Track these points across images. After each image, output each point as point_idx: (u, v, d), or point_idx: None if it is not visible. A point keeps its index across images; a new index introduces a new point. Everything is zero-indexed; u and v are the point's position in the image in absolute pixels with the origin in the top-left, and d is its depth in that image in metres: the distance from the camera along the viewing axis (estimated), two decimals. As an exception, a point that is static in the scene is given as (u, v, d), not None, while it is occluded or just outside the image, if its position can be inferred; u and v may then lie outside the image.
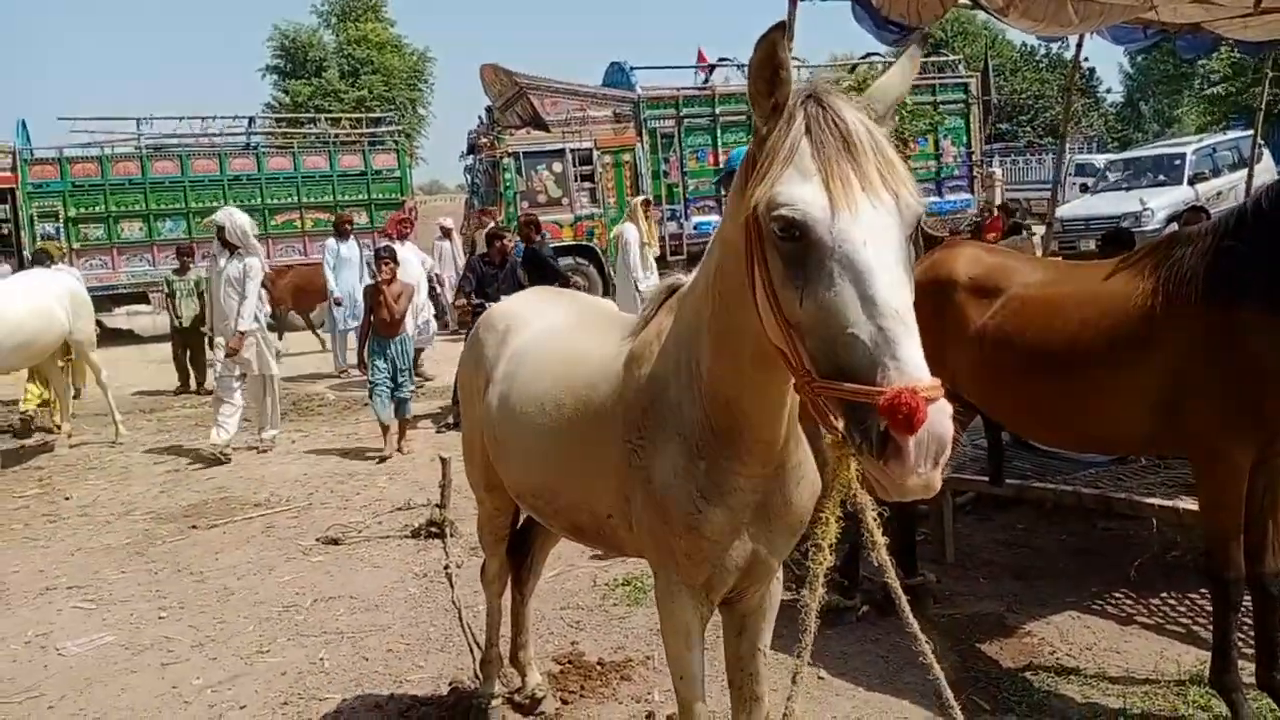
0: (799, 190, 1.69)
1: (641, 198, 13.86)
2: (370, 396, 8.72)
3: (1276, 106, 11.46)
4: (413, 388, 8.97)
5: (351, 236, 13.04)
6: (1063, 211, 17.81)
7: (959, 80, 20.08)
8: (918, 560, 4.85)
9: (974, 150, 19.65)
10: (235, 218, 8.77)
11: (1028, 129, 43.48)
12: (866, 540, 2.12)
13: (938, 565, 5.10)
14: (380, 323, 8.60)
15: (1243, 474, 3.32)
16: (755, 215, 1.75)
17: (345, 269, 12.59)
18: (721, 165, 18.16)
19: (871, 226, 1.67)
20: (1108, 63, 64.64)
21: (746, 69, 1.81)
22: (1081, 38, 8.24)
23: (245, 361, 8.65)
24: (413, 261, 12.71)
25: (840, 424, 1.70)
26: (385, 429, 8.61)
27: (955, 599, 4.76)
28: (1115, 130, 50.08)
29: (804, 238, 1.67)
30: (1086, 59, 43.51)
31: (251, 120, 22.38)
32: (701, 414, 2.27)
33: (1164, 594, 4.60)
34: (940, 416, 1.55)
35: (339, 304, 12.62)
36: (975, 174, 19.73)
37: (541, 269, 9.02)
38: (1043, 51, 46.30)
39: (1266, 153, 14.07)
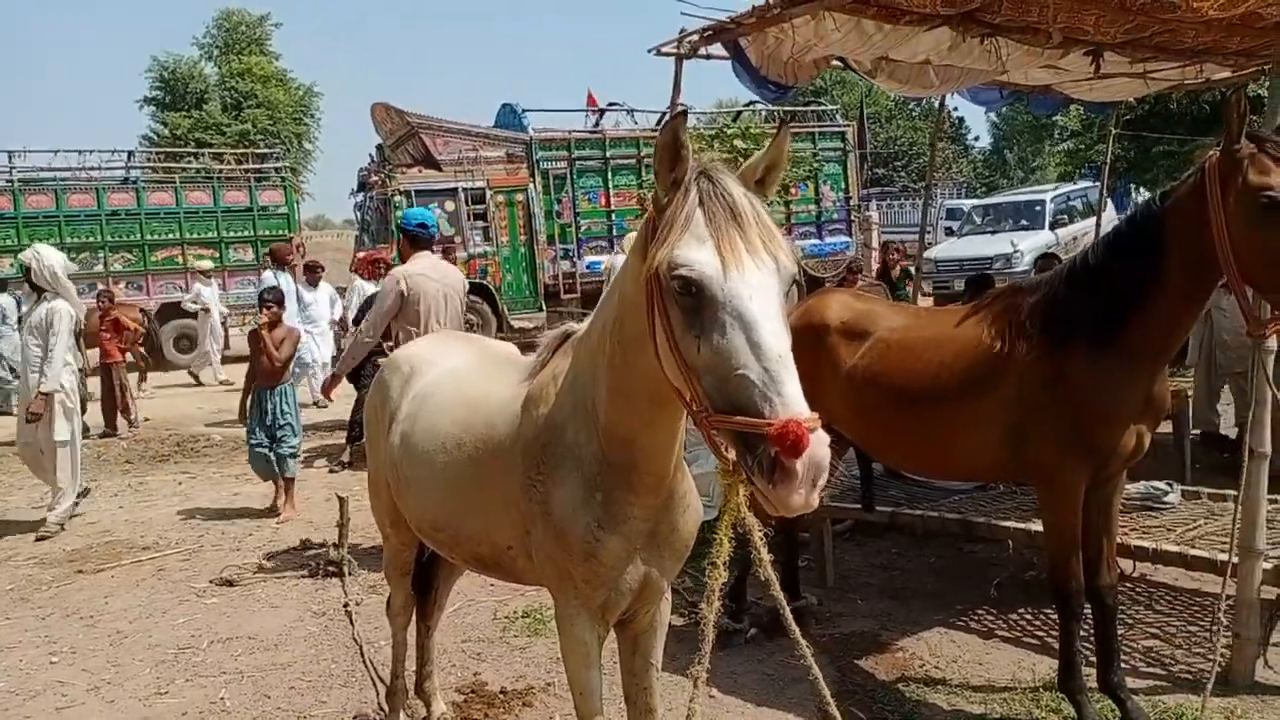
0: (695, 254, 1.96)
1: (634, 233, 14.17)
2: (250, 456, 8.07)
3: (1119, 162, 12.46)
4: (296, 442, 8.08)
5: (287, 269, 12.80)
6: (937, 253, 18.81)
7: (837, 129, 21.05)
8: (800, 584, 5.17)
9: (851, 195, 20.58)
10: (43, 256, 7.68)
11: (902, 174, 45.56)
12: (755, 558, 2.38)
13: (819, 588, 5.44)
14: (260, 371, 8.06)
15: (1077, 496, 3.73)
16: (657, 274, 2.01)
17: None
18: (612, 206, 18.64)
19: (756, 284, 1.95)
20: (976, 113, 68.15)
21: (654, 153, 2.09)
22: (944, 96, 8.92)
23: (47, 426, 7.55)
24: (323, 302, 12.70)
25: (732, 453, 1.97)
26: (271, 479, 8.08)
27: (835, 619, 5.10)
28: (983, 177, 52.86)
29: (700, 293, 1.94)
30: (956, 109, 46.01)
31: (130, 154, 21.75)
32: (598, 450, 2.49)
33: (1021, 610, 5.04)
34: (819, 444, 1.81)
35: None
36: (853, 218, 20.66)
37: None
38: (915, 102, 48.59)
39: (1110, 203, 15.25)
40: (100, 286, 15.28)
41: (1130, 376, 3.59)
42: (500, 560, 2.91)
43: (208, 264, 17.96)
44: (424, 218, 6.48)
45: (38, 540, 7.48)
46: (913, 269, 12.21)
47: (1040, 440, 3.74)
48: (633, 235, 10.44)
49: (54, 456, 7.65)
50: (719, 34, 5.92)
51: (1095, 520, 3.87)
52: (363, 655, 4.93)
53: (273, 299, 8.22)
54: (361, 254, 14.24)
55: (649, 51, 6.54)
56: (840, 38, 5.56)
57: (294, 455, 8.01)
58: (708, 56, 6.42)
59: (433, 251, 6.74)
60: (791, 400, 1.83)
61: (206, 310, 15.91)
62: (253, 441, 7.94)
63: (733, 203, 2.02)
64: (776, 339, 1.89)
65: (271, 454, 7.85)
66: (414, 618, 4.00)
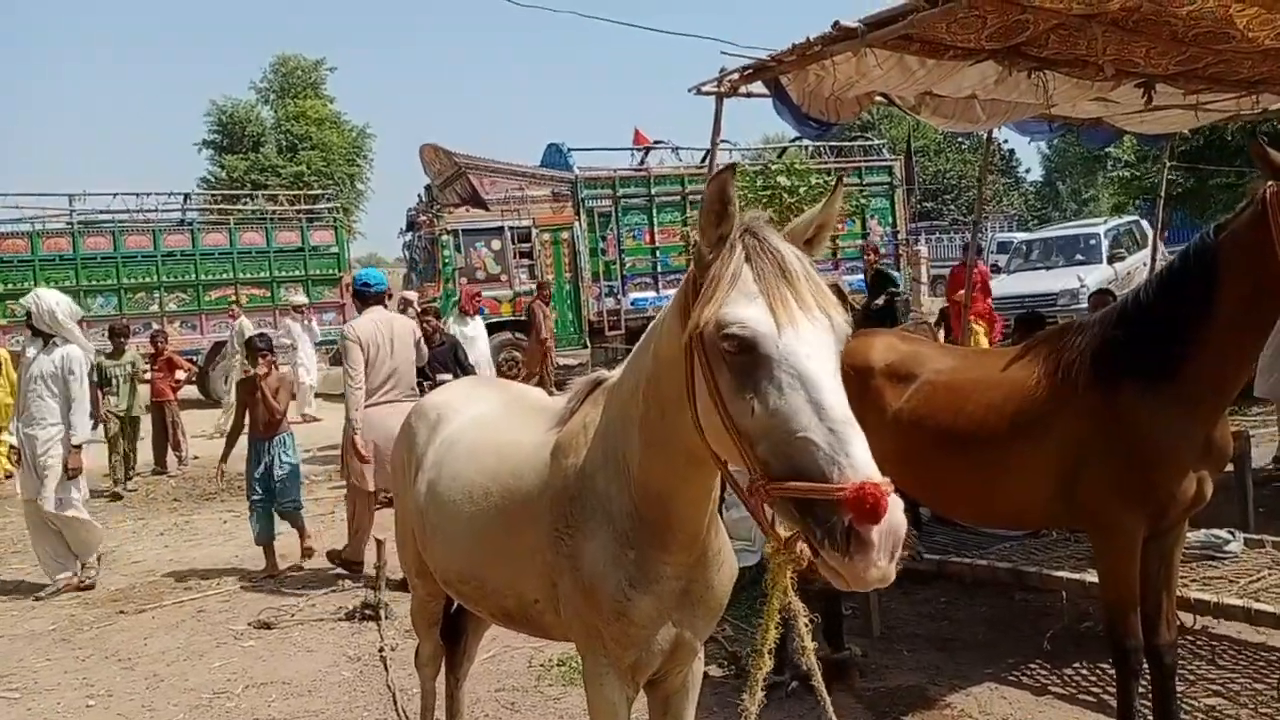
0: (746, 311, 1.87)
1: None
2: (250, 513, 7.49)
3: (1176, 188, 12.20)
4: (299, 491, 7.61)
5: (478, 315, 12.33)
6: (997, 288, 18.18)
7: (884, 164, 20.92)
8: (844, 634, 5.00)
9: (899, 229, 20.39)
10: (42, 300, 7.17)
11: (952, 208, 45.14)
12: (797, 647, 2.26)
13: (864, 639, 5.26)
14: (256, 422, 7.43)
15: (1134, 545, 3.56)
16: (701, 334, 1.91)
17: (471, 347, 10.90)
18: (657, 243, 18.65)
19: (813, 342, 1.86)
20: (1027, 144, 67.56)
21: (701, 203, 2.02)
22: (991, 130, 8.78)
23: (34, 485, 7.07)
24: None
25: (782, 528, 1.86)
26: (266, 546, 7.45)
27: (880, 671, 4.92)
28: (1035, 209, 52.23)
29: (754, 352, 1.84)
30: (1006, 141, 45.49)
31: (187, 197, 22.27)
32: (631, 505, 2.39)
33: (1076, 664, 4.81)
34: (896, 510, 1.68)
35: None
36: (901, 252, 20.44)
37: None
38: (964, 136, 48.28)
39: (1152, 234, 14.62)
40: (155, 326, 15.56)
41: (1188, 418, 3.43)
42: (527, 614, 2.82)
43: (301, 299, 17.93)
44: (367, 277, 7.45)
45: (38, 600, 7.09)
46: (894, 272, 11.91)
47: (1094, 486, 3.57)
48: None
49: (69, 511, 7.20)
50: (759, 72, 5.87)
51: (1154, 573, 3.68)
52: (395, 703, 4.86)
53: (264, 346, 7.71)
54: (464, 289, 14.00)
55: (689, 91, 6.52)
56: (883, 74, 5.48)
57: (298, 507, 7.53)
58: (749, 95, 6.37)
59: (384, 306, 7.59)
60: (862, 464, 1.71)
61: (294, 346, 15.89)
62: (255, 499, 7.37)
63: (782, 259, 1.94)
64: (839, 399, 1.79)
65: (276, 510, 7.41)
66: (444, 668, 3.92)
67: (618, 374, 2.57)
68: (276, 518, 7.48)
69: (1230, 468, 6.52)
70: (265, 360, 7.51)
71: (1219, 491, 6.14)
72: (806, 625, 2.21)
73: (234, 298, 18.64)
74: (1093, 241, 19.03)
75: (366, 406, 6.75)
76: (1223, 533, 5.02)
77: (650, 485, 2.34)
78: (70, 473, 7.17)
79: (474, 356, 10.30)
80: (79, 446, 7.15)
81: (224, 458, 7.71)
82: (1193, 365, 3.36)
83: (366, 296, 7.23)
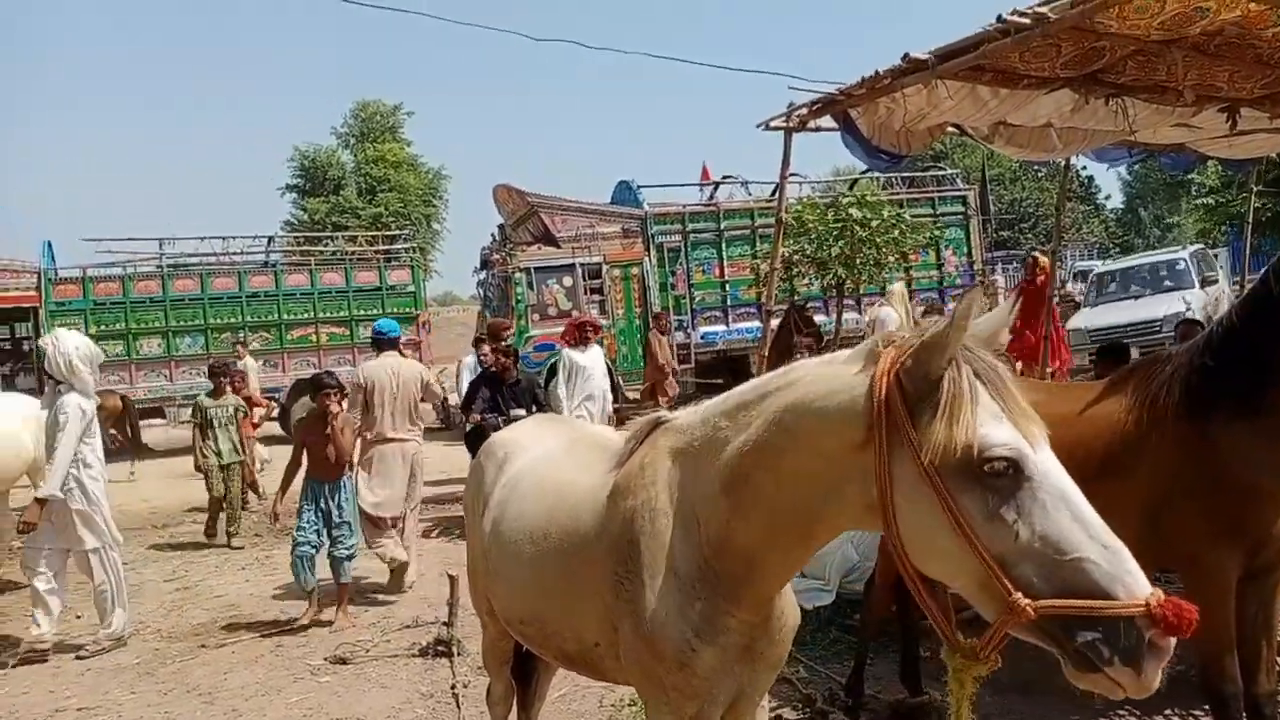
0: (1001, 431, 1.85)
1: (900, 284, 15.00)
2: (292, 555, 7.15)
3: (1264, 214, 11.77)
4: (354, 542, 7.34)
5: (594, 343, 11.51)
6: (1084, 321, 17.50)
7: (958, 193, 20.66)
8: (922, 677, 4.86)
9: (975, 259, 20.06)
10: (61, 342, 6.61)
11: (1029, 236, 44.27)
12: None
13: (942, 682, 5.09)
14: (320, 463, 7.15)
15: (1229, 585, 3.39)
16: (946, 459, 1.84)
17: (586, 379, 10.30)
18: (726, 276, 18.63)
19: (1056, 458, 1.88)
20: (1107, 171, 66.19)
21: (946, 324, 1.94)
22: (1068, 159, 8.60)
23: (66, 534, 6.60)
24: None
25: (951, 633, 1.94)
26: (310, 594, 7.17)
27: (961, 717, 4.75)
28: (1116, 236, 50.95)
29: (1017, 474, 1.82)
30: (1084, 168, 44.58)
31: (270, 239, 23.03)
32: (700, 557, 2.36)
33: (1167, 710, 4.59)
34: None
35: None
36: (977, 282, 20.07)
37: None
38: (1040, 163, 47.50)
39: (1241, 261, 13.98)
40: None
41: None
42: (588, 658, 2.80)
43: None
44: (382, 327, 8.37)
45: (90, 655, 6.67)
46: None
47: (1184, 522, 3.43)
48: (899, 286, 10.48)
49: (88, 566, 6.73)
50: (828, 107, 5.85)
51: (1252, 616, 3.51)
52: (468, 741, 4.85)
53: (334, 384, 7.36)
54: (569, 321, 13.11)
55: (757, 126, 6.52)
56: (954, 105, 5.42)
57: (351, 557, 7.29)
58: (817, 129, 6.35)
59: (399, 352, 8.49)
60: (1143, 580, 1.75)
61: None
62: (301, 541, 7.07)
63: (1000, 372, 1.94)
64: (1097, 515, 1.81)
65: (329, 556, 7.16)
66: (515, 706, 3.91)
67: (684, 417, 2.56)
68: (330, 565, 7.21)
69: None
70: (335, 399, 7.21)
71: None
72: None
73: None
74: (1179, 266, 18.40)
75: (374, 440, 7.87)
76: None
77: (736, 544, 2.30)
78: (22, 527, 6.64)
79: (588, 388, 10.08)
80: (42, 501, 6.49)
81: (280, 499, 7.45)
82: None
83: (380, 343, 8.20)
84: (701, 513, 2.35)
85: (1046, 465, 1.84)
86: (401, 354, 8.55)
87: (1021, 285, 12.10)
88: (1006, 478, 1.82)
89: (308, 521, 7.15)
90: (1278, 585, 3.54)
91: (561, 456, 3.16)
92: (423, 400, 8.31)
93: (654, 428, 2.64)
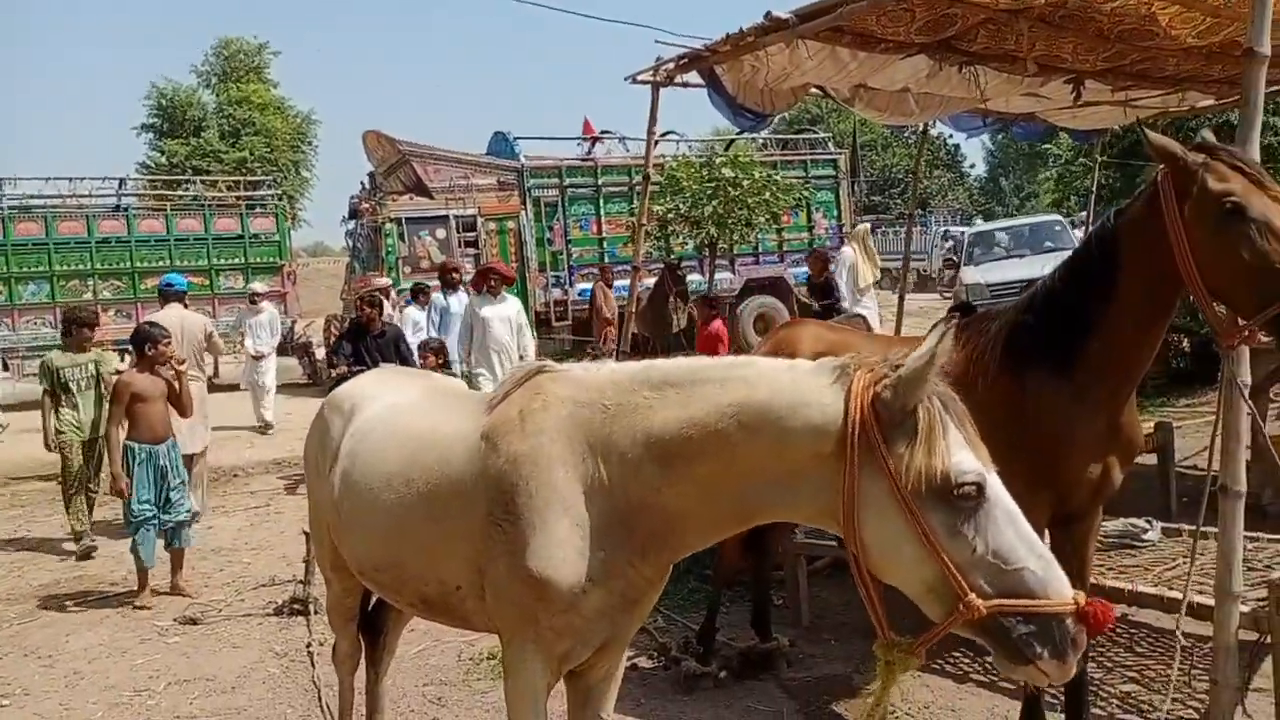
0: (969, 459, 2.07)
1: (865, 226, 15.65)
2: (134, 534, 6.52)
3: (1105, 190, 12.43)
4: (189, 504, 7.06)
5: (460, 288, 11.31)
6: (982, 276, 17.72)
7: (829, 156, 21.08)
8: (772, 625, 5.03)
9: (845, 222, 20.54)
10: None
11: (899, 202, 45.61)
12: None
13: (793, 629, 5.30)
14: (152, 423, 6.63)
15: (1039, 527, 3.59)
16: (924, 481, 2.03)
17: (485, 329, 9.55)
18: (604, 234, 18.58)
19: (999, 479, 2.10)
20: (972, 140, 68.62)
21: (923, 356, 2.10)
22: (926, 124, 8.87)
23: None
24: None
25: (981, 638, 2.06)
26: (145, 573, 6.56)
27: (807, 661, 4.95)
28: (979, 204, 53.02)
29: (980, 495, 2.04)
30: (950, 136, 46.10)
31: (122, 181, 21.72)
32: (613, 512, 2.40)
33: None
34: None
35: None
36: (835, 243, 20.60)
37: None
38: (910, 130, 48.86)
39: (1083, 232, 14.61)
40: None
41: (1090, 404, 3.46)
42: (448, 601, 2.79)
43: (261, 285, 17.01)
44: (170, 280, 9.10)
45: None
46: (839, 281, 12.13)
47: (1004, 472, 3.60)
48: (863, 227, 10.75)
49: None
50: (694, 62, 5.86)
51: (1066, 560, 3.70)
52: (320, 699, 4.79)
53: (164, 332, 6.82)
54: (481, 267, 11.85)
55: (625, 79, 6.49)
56: (816, 65, 5.49)
57: (196, 517, 6.95)
58: (684, 85, 6.37)
59: (184, 304, 9.00)
60: (1067, 585, 2.01)
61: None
62: (144, 515, 6.48)
63: (957, 401, 2.15)
64: (1032, 530, 2.07)
65: (165, 524, 6.63)
66: (364, 663, 3.86)
67: (582, 371, 2.66)
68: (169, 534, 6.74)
69: (1154, 458, 6.71)
70: (170, 347, 6.76)
71: (1144, 480, 6.33)
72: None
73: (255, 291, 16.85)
74: (1057, 228, 19.05)
75: None
76: (1141, 521, 5.12)
77: (664, 511, 2.38)
78: None
79: (487, 342, 9.42)
80: None
81: (119, 470, 6.56)
82: (1095, 350, 3.38)
83: (169, 295, 8.80)
84: (616, 470, 2.39)
85: (997, 487, 2.08)
86: (185, 307, 9.08)
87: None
88: (971, 500, 2.04)
89: (144, 490, 6.52)
90: (1090, 531, 3.78)
91: (417, 404, 3.12)
92: (206, 350, 8.75)
93: (532, 375, 2.66)
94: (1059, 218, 19.85)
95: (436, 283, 11.85)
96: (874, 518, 2.09)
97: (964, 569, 2.01)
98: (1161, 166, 3.18)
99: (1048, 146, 28.36)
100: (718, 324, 11.62)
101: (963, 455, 2.06)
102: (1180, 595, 3.99)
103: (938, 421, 2.07)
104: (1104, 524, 4.62)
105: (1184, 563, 4.65)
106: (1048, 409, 3.46)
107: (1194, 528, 4.95)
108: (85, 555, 7.69)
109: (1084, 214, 15.06)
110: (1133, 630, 4.96)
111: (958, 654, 4.88)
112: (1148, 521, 5.12)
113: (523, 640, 2.55)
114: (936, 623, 2.08)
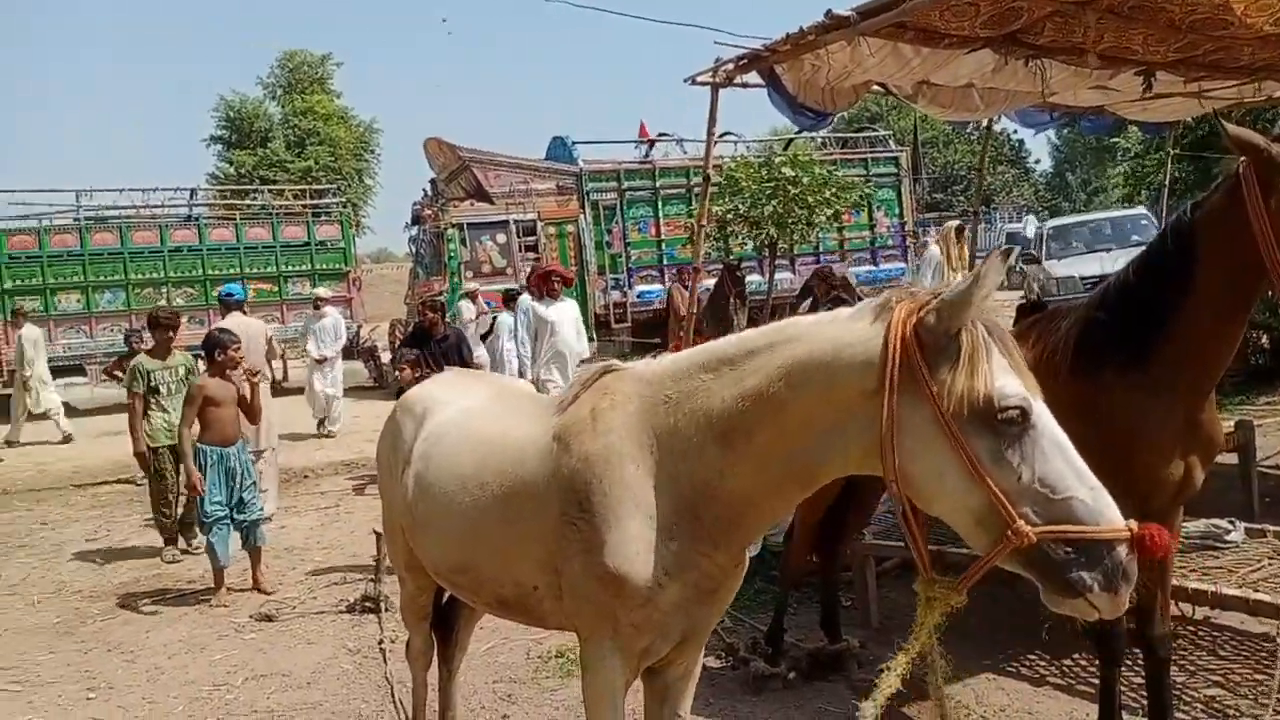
0: (1013, 383, 2.03)
1: (954, 224, 15.45)
2: (208, 535, 6.72)
3: (1178, 184, 12.09)
4: (263, 505, 7.13)
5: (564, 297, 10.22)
6: (1079, 268, 16.99)
7: (890, 154, 20.86)
8: (841, 625, 5.00)
9: (906, 220, 20.32)
10: None
11: (961, 199, 44.90)
12: (935, 682, 2.46)
13: (862, 630, 5.25)
14: (223, 425, 6.80)
15: None
16: (965, 404, 2.01)
17: (553, 333, 9.49)
18: (663, 235, 18.60)
19: (1047, 408, 2.06)
20: (1033, 135, 67.28)
21: (978, 277, 2.06)
22: (990, 119, 8.72)
23: None
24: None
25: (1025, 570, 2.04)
26: (220, 571, 6.74)
27: (877, 662, 4.86)
28: (1045, 199, 51.94)
29: (1025, 421, 2.01)
30: (1015, 132, 45.26)
31: (193, 192, 22.38)
32: (680, 500, 2.42)
33: (1075, 655, 4.78)
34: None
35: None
36: (908, 243, 20.38)
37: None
38: (973, 126, 48.06)
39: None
40: (127, 326, 15.70)
41: (1168, 402, 3.38)
42: (525, 602, 2.83)
43: (325, 291, 16.52)
44: (229, 290, 9.69)
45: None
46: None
47: None
48: (952, 224, 10.66)
49: None
50: (754, 62, 5.83)
51: (1147, 564, 3.64)
52: (393, 695, 4.87)
53: (235, 338, 7.07)
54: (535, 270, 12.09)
55: (685, 81, 6.48)
56: (878, 63, 5.44)
57: (269, 518, 6.90)
58: (744, 85, 6.34)
59: (243, 312, 9.46)
60: (1118, 513, 1.99)
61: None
62: (218, 516, 6.64)
63: (1003, 328, 2.11)
64: (1082, 461, 2.02)
65: (240, 525, 6.80)
66: (436, 660, 3.93)
67: (644, 367, 2.65)
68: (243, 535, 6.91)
69: (1235, 457, 6.52)
70: (239, 353, 6.99)
71: (1225, 480, 6.16)
72: (942, 659, 2.43)
73: (17, 306, 16.51)
74: (1143, 222, 18.46)
75: None
76: (1223, 522, 4.97)
77: (730, 491, 2.38)
78: None
79: (555, 345, 9.31)
80: None
81: (192, 470, 6.70)
82: (1173, 347, 3.31)
83: (229, 305, 9.28)
84: (683, 460, 2.41)
85: (1045, 415, 2.03)
86: (245, 314, 9.57)
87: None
88: (1015, 425, 2.00)
89: (217, 491, 6.68)
90: (1171, 531, 3.69)
91: (488, 408, 3.16)
92: (266, 355, 9.31)
93: (601, 375, 2.69)
94: (1144, 211, 19.16)
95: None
96: (917, 445, 2.07)
97: (1010, 496, 1.98)
98: (1242, 158, 3.10)
99: (1116, 140, 27.77)
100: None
101: (1007, 380, 2.03)
102: (1268, 598, 3.88)
103: (981, 345, 2.04)
104: (1185, 525, 4.51)
105: (1269, 564, 4.53)
106: (1124, 407, 3.39)
107: (1278, 529, 4.84)
108: (173, 561, 7.79)
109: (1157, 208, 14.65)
110: (1216, 634, 4.83)
111: (1032, 656, 4.80)
112: (1230, 522, 4.97)
113: (601, 638, 2.57)
114: (982, 555, 2.05)
